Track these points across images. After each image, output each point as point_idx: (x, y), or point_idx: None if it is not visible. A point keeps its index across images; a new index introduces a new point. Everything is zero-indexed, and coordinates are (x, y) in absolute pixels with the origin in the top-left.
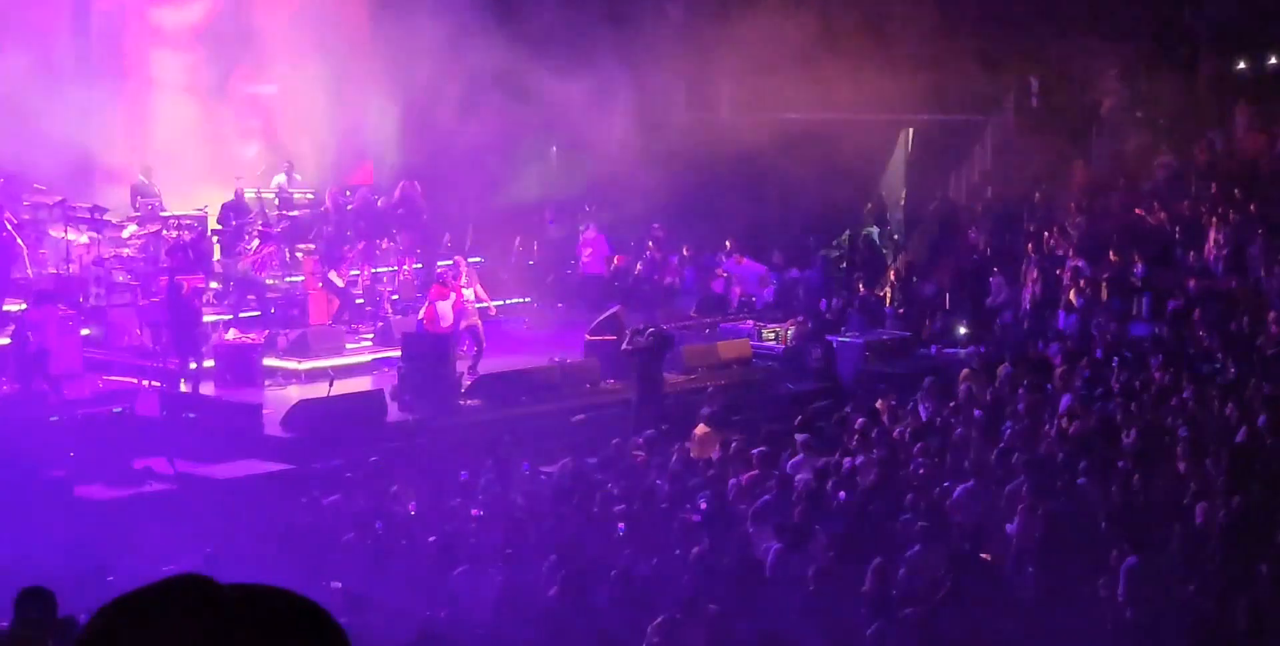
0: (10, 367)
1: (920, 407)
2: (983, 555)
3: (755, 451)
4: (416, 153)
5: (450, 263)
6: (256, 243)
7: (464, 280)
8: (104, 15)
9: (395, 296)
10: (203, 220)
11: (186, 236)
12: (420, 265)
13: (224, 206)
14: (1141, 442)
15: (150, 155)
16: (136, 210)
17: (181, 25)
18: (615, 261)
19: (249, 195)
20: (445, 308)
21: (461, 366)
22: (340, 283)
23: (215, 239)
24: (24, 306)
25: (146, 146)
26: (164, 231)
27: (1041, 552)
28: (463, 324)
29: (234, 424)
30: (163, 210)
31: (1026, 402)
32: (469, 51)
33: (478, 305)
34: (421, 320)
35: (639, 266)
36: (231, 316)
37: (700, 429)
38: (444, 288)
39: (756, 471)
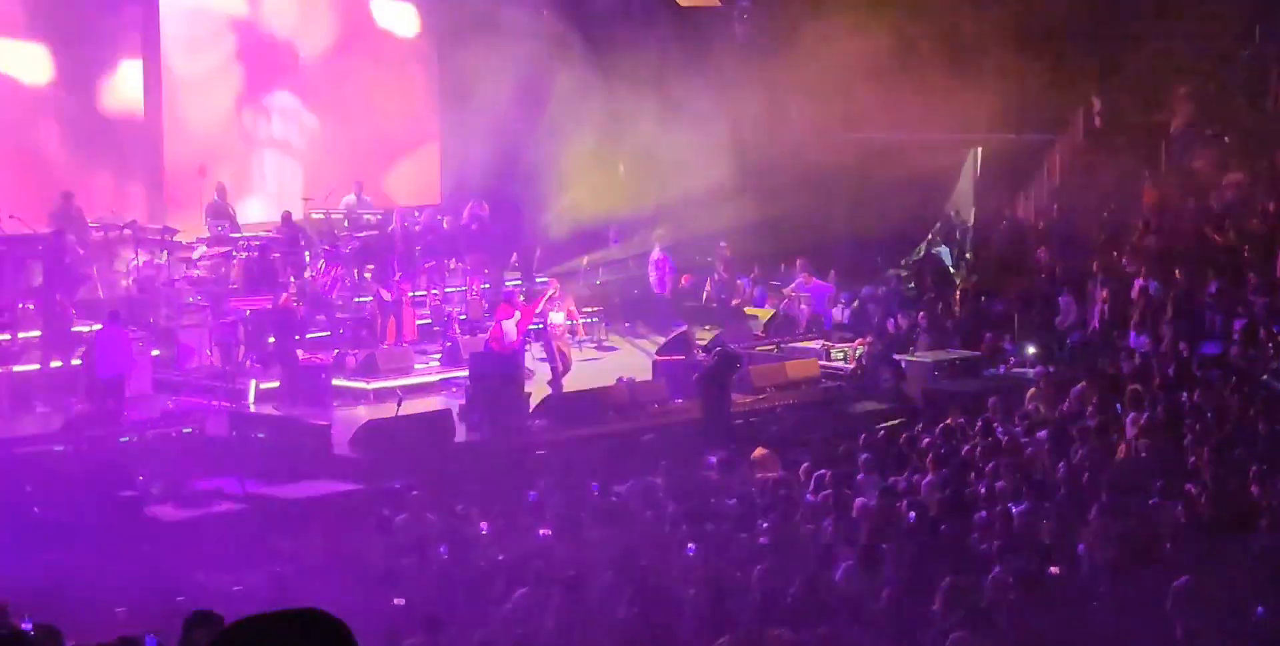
0: (82, 388)
1: (989, 427)
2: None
3: (823, 471)
4: (484, 173)
5: (518, 282)
6: (322, 264)
7: (546, 303)
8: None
9: (463, 316)
10: (273, 241)
11: (253, 255)
12: (488, 285)
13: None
14: (1212, 463)
15: (227, 175)
16: (210, 231)
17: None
18: (682, 281)
19: (316, 216)
20: (510, 326)
21: (544, 385)
22: (387, 297)
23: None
24: (98, 327)
25: (222, 166)
26: (234, 252)
27: (1113, 573)
28: (554, 344)
29: (302, 444)
30: (235, 231)
31: (1096, 422)
32: (539, 71)
33: (567, 324)
34: (488, 340)
35: (707, 286)
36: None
37: (759, 450)
38: (510, 307)
39: (825, 492)
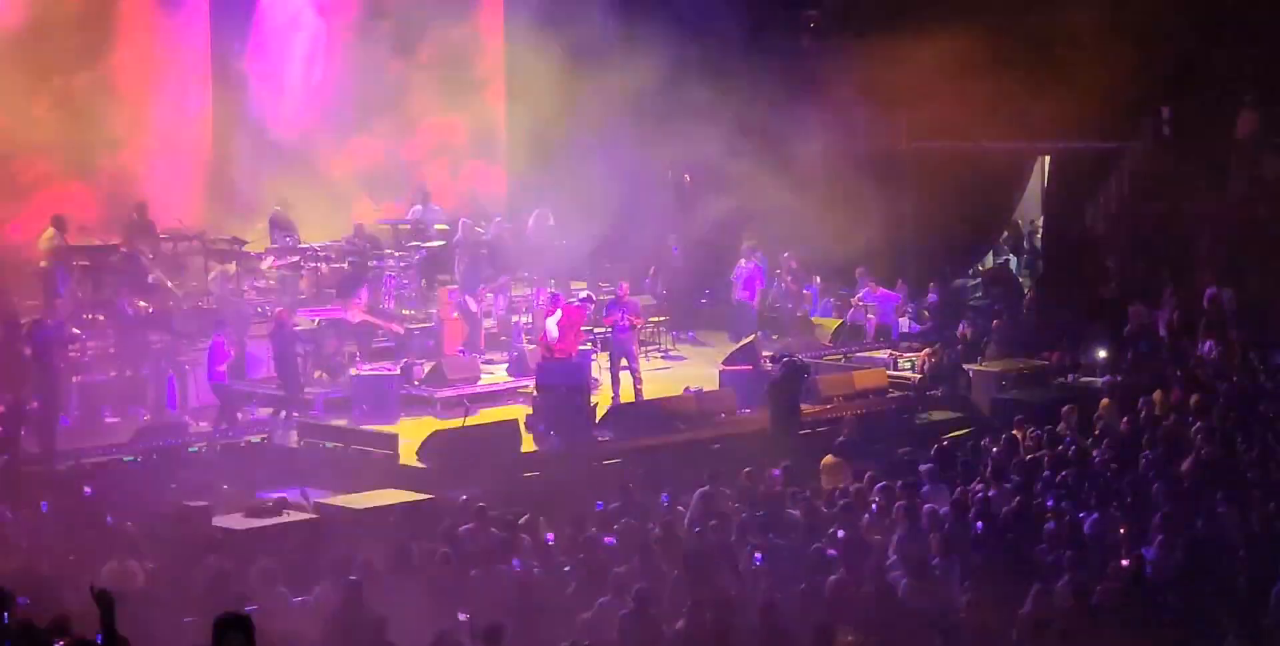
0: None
1: (1056, 437)
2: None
3: (889, 482)
4: (551, 182)
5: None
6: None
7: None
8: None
9: (529, 325)
10: (341, 251)
11: (324, 268)
12: (554, 294)
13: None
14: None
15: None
16: (274, 243)
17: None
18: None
19: (384, 226)
20: (551, 324)
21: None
22: (474, 308)
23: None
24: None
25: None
26: (302, 263)
27: (1180, 581)
28: (619, 354)
29: (370, 453)
30: (296, 243)
31: (1165, 431)
32: (600, 80)
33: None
34: (539, 346)
35: (772, 296)
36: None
37: (828, 459)
38: (553, 306)
39: (891, 502)
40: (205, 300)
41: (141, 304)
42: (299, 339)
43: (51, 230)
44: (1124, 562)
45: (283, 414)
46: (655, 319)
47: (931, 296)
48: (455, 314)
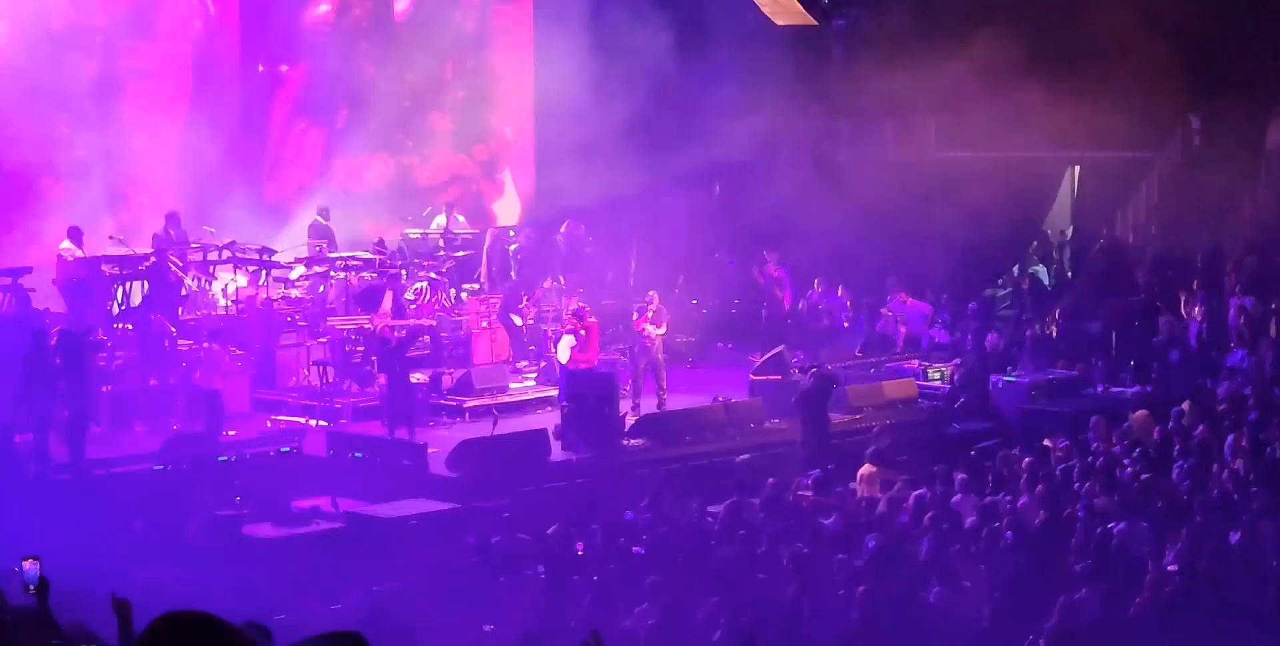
0: (182, 402)
1: (1085, 447)
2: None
3: (920, 492)
4: (580, 191)
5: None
6: (423, 285)
7: (651, 315)
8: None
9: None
10: (371, 262)
11: (354, 278)
12: (584, 304)
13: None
14: None
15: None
16: (309, 251)
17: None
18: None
19: (413, 234)
20: (563, 347)
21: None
22: (519, 322)
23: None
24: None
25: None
26: (331, 273)
27: (1211, 593)
28: (643, 362)
29: (399, 463)
30: (333, 251)
31: (1197, 441)
32: (633, 87)
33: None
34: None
35: (801, 305)
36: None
37: (866, 467)
38: (574, 319)
39: (922, 512)
40: (233, 310)
41: (168, 325)
42: (395, 351)
43: (68, 242)
44: (1154, 574)
45: (313, 422)
46: (684, 337)
47: (972, 305)
48: (484, 323)
